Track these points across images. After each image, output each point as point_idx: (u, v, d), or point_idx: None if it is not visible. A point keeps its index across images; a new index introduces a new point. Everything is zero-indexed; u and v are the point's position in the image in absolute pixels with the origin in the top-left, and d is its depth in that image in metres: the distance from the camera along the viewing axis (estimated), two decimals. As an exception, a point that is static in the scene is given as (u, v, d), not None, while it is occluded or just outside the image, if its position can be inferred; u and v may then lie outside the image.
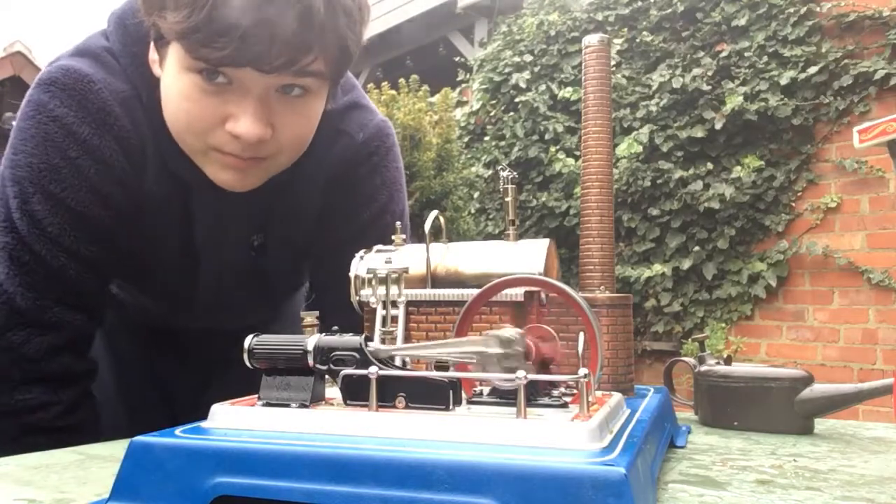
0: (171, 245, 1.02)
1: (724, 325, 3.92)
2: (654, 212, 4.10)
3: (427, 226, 0.69)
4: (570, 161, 4.26)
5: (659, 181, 4.07)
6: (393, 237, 0.74)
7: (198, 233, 1.01)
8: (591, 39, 0.79)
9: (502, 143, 4.70)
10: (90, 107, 0.91)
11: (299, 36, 0.79)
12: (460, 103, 5.16)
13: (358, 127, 1.07)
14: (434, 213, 0.71)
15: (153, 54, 0.90)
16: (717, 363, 0.89)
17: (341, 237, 1.06)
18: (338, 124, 1.05)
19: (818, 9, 3.80)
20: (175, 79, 0.85)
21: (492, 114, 4.86)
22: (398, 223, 0.77)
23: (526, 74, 4.66)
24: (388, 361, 0.56)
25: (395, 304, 0.68)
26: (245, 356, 0.55)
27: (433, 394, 0.51)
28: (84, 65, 0.93)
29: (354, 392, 0.52)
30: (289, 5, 0.77)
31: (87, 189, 0.92)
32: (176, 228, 1.00)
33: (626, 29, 4.39)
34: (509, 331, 0.52)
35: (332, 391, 0.56)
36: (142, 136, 0.94)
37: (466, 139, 5.01)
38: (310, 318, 0.56)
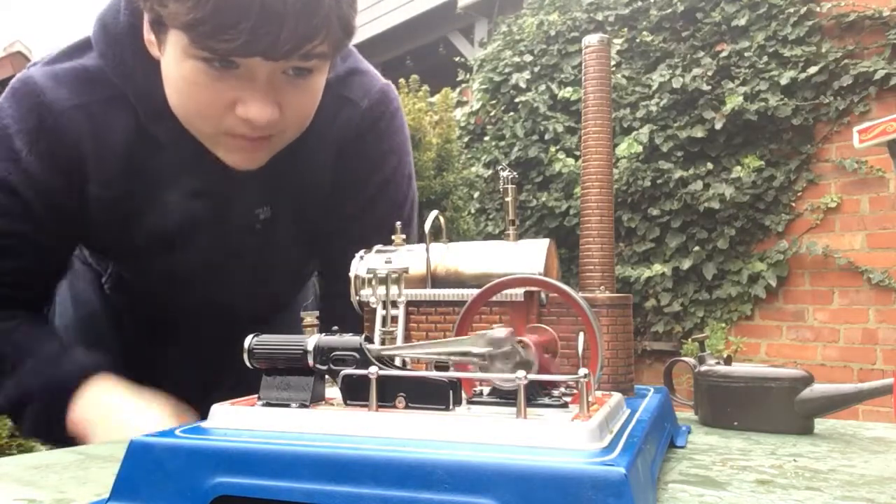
0: (163, 226, 1.02)
1: (724, 325, 3.92)
2: (654, 212, 4.10)
3: (427, 226, 0.69)
4: (570, 161, 4.26)
5: (659, 181, 4.07)
6: (393, 237, 0.74)
7: (197, 210, 1.02)
8: (591, 39, 0.79)
9: (502, 143, 4.70)
10: (29, 118, 0.95)
11: (306, 23, 0.79)
12: (460, 103, 5.16)
13: (361, 93, 1.08)
14: (434, 213, 0.71)
15: (149, 35, 0.89)
16: (717, 363, 0.89)
17: (352, 207, 1.08)
18: (340, 91, 1.05)
19: (818, 9, 3.80)
20: (179, 65, 0.85)
21: (492, 114, 4.86)
22: (398, 223, 0.77)
23: (526, 74, 4.65)
24: (387, 361, 0.56)
25: (395, 304, 0.68)
26: (245, 356, 0.55)
27: (433, 394, 0.51)
28: (40, 74, 0.97)
29: (354, 392, 0.52)
30: None
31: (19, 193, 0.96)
32: (168, 209, 1.01)
33: (626, 29, 4.39)
34: (500, 331, 0.52)
35: (332, 391, 0.56)
36: (82, 146, 0.97)
37: (466, 139, 5.01)
38: (310, 318, 0.55)
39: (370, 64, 1.16)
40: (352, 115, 1.07)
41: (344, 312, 0.72)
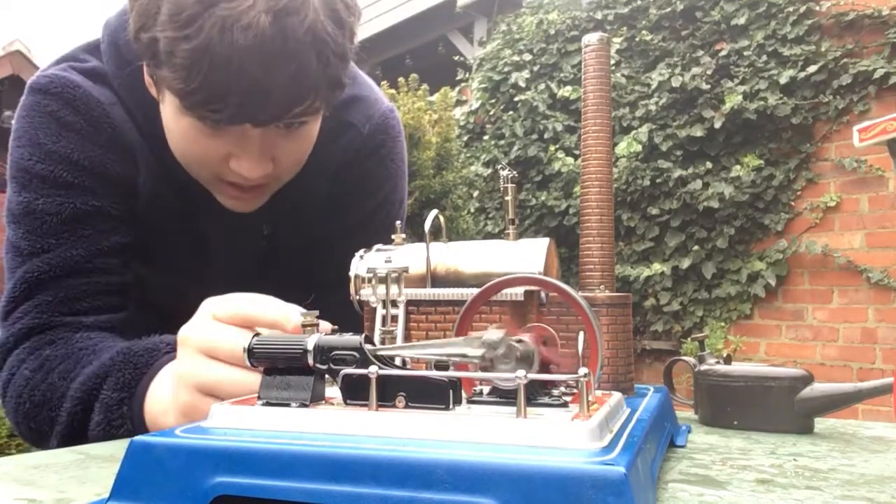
0: (177, 236, 1.03)
1: (723, 324, 3.93)
2: (654, 211, 4.10)
3: (427, 225, 0.69)
4: (570, 160, 4.26)
5: (658, 180, 4.07)
6: (393, 237, 0.74)
7: (204, 226, 1.03)
8: (591, 38, 0.79)
9: (502, 142, 4.70)
10: (78, 106, 0.94)
11: (294, 92, 0.80)
12: (459, 102, 5.16)
13: (364, 118, 1.09)
14: (434, 212, 0.71)
15: (149, 78, 0.91)
16: (717, 362, 0.88)
17: (348, 225, 1.09)
18: (343, 116, 1.06)
19: (817, 7, 3.81)
20: (174, 117, 0.87)
21: (491, 113, 4.86)
22: (398, 222, 0.77)
23: (525, 73, 4.66)
24: (387, 360, 0.56)
25: (394, 304, 0.68)
26: (245, 356, 0.55)
27: (433, 393, 0.51)
28: (69, 73, 0.96)
29: (354, 392, 0.52)
30: (284, 65, 0.77)
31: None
32: (178, 222, 1.02)
33: (625, 28, 4.39)
34: (494, 333, 0.52)
35: (332, 391, 0.56)
36: (133, 135, 0.97)
37: (466, 138, 5.01)
38: (309, 318, 0.55)
39: (374, 63, 1.18)
40: (354, 139, 1.08)
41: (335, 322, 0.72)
